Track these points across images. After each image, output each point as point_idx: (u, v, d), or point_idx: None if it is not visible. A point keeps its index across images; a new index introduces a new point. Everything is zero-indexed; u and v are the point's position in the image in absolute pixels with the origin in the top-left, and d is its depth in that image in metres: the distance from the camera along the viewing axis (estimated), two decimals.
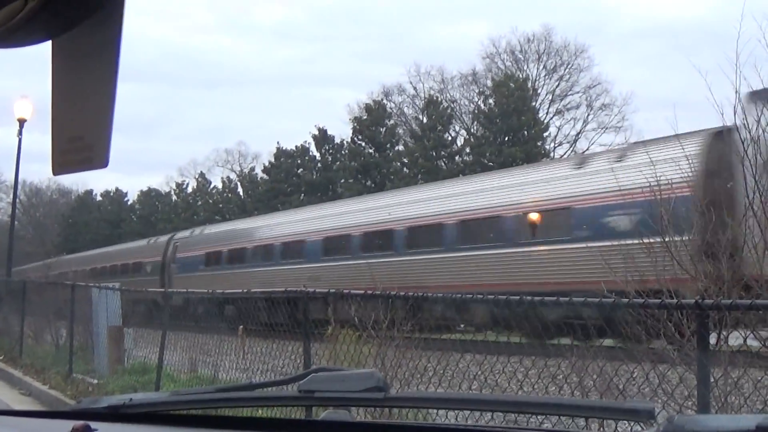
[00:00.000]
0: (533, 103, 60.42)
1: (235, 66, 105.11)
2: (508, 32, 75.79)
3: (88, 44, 1.30)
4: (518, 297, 6.55)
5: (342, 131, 67.06)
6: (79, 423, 2.10)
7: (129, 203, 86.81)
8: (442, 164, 58.79)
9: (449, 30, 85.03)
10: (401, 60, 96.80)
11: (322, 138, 66.21)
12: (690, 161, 11.39)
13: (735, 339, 6.31)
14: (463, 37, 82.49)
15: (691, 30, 74.64)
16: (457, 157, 60.23)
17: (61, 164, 1.41)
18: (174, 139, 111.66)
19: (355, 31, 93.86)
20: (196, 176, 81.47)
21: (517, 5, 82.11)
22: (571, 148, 60.96)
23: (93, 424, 2.12)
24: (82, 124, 1.37)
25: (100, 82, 1.34)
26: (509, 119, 56.21)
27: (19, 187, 39.11)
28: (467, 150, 60.08)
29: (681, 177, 9.26)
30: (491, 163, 51.81)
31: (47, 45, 1.31)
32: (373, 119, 62.20)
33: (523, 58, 63.76)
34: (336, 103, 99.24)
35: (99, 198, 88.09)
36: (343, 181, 62.78)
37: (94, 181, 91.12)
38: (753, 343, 6.22)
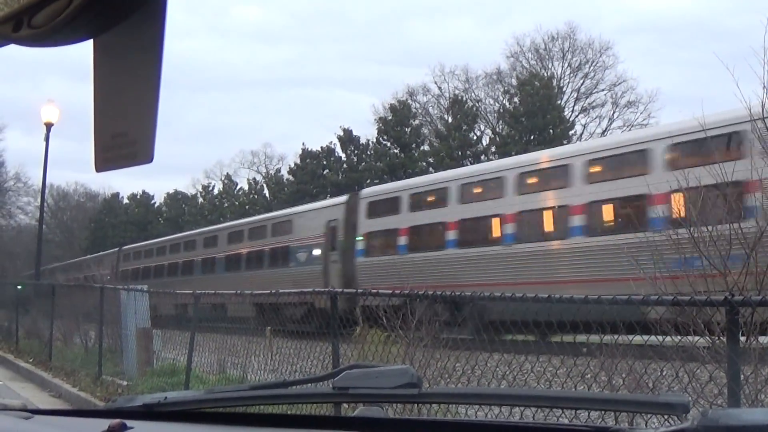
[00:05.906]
0: (558, 102, 60.23)
1: (225, 69, 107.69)
2: (493, 27, 75.08)
3: (131, 41, 1.31)
4: (546, 295, 6.51)
5: (366, 131, 67.21)
6: (115, 421, 2.10)
7: (155, 206, 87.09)
8: (468, 164, 58.68)
9: (436, 27, 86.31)
10: (391, 60, 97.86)
11: (348, 139, 66.18)
12: None
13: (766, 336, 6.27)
14: (456, 33, 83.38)
15: (681, 25, 74.78)
16: (482, 157, 60.09)
17: (105, 161, 1.41)
18: (174, 141, 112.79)
19: (335, 32, 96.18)
20: (222, 178, 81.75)
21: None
22: None
23: (128, 423, 2.12)
24: (125, 121, 1.38)
25: (144, 78, 1.35)
26: (534, 118, 56.08)
27: (47, 190, 39.46)
28: (493, 149, 59.98)
29: None
30: None
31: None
32: (398, 119, 62.19)
33: (547, 57, 63.66)
34: (331, 103, 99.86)
35: (126, 201, 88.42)
36: (369, 181, 62.76)
37: (120, 184, 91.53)
38: None
